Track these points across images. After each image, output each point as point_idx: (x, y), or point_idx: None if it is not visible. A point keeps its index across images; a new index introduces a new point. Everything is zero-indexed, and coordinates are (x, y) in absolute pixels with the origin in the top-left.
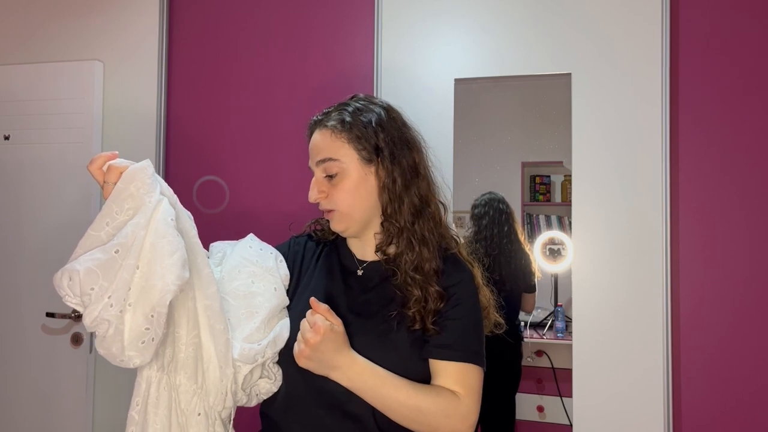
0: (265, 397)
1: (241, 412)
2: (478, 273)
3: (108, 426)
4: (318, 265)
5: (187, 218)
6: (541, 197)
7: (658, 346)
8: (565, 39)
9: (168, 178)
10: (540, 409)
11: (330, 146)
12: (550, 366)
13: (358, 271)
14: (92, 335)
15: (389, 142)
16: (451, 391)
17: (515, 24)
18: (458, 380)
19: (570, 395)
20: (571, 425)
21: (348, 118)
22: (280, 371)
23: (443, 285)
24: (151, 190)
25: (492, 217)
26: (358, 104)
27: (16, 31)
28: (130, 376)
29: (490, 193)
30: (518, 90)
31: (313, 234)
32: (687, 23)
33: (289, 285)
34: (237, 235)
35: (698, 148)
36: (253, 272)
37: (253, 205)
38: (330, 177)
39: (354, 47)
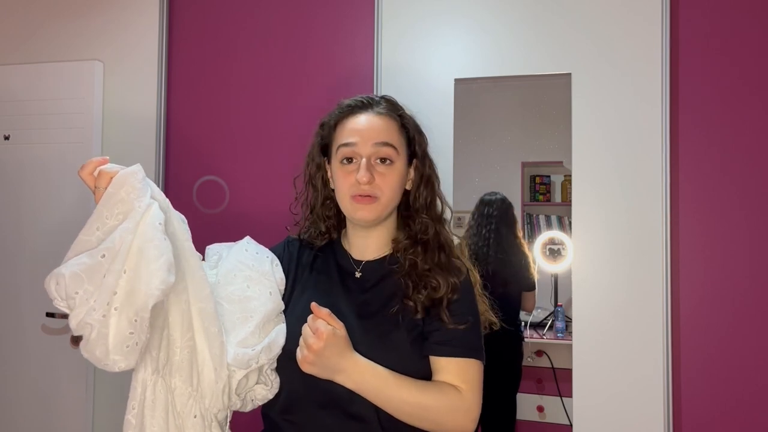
0: (260, 403)
1: (241, 413)
2: (474, 275)
3: (108, 426)
4: (314, 267)
5: (180, 222)
6: (541, 197)
7: (658, 346)
8: (565, 39)
9: (168, 178)
10: (540, 409)
11: (392, 133)
12: (550, 366)
13: (356, 273)
14: None
15: (424, 146)
16: (453, 387)
17: (515, 24)
18: (460, 376)
19: (570, 395)
20: (571, 425)
21: (404, 115)
22: (278, 378)
23: None
24: (141, 195)
25: (492, 216)
26: (397, 103)
27: (16, 31)
28: (129, 376)
29: (492, 192)
30: (518, 90)
31: (308, 240)
32: (687, 23)
33: (285, 288)
34: (237, 235)
35: (698, 148)
36: (248, 276)
37: (252, 205)
38: (382, 162)
39: (354, 47)
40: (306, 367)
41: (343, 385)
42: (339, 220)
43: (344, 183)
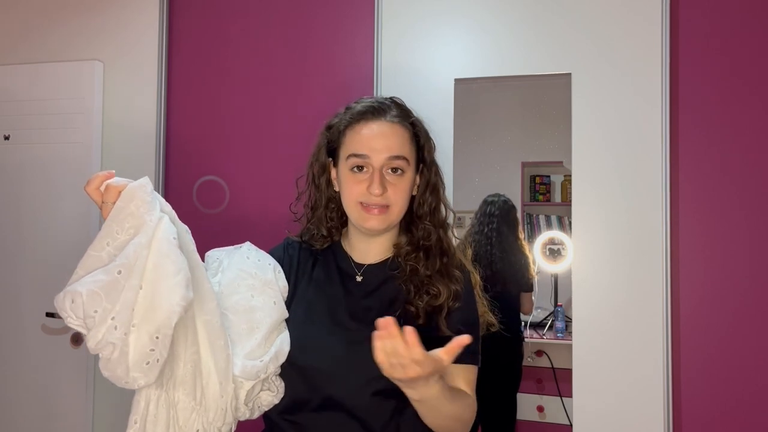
0: (266, 409)
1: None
2: (474, 277)
3: (108, 426)
4: (315, 270)
5: (185, 233)
6: (541, 197)
7: (658, 346)
8: (565, 39)
9: (168, 178)
10: (540, 409)
11: (405, 144)
12: (550, 366)
13: (357, 277)
14: None
15: (431, 152)
16: (467, 394)
17: (515, 24)
18: (466, 381)
19: (570, 395)
20: (571, 425)
21: (416, 122)
22: (282, 383)
23: None
24: (151, 208)
25: (493, 216)
26: (405, 107)
27: (16, 31)
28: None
29: (496, 194)
30: (518, 90)
31: (308, 243)
32: (687, 23)
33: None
34: (237, 234)
35: (698, 148)
36: (251, 285)
37: (253, 205)
38: (393, 172)
39: (354, 47)
40: (389, 372)
41: (407, 395)
42: (341, 222)
43: (353, 190)
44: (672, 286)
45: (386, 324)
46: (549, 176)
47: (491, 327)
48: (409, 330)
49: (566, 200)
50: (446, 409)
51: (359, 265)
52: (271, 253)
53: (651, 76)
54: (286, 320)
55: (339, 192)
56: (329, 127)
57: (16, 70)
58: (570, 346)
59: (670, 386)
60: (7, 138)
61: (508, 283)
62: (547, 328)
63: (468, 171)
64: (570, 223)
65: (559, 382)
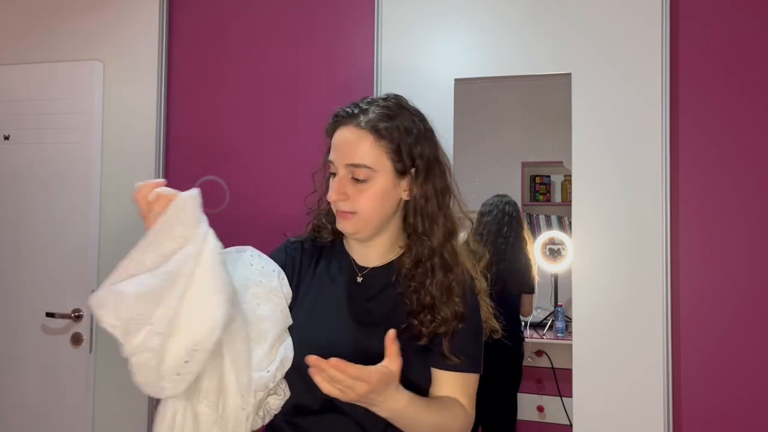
0: (275, 413)
1: None
2: (479, 284)
3: (108, 426)
4: (317, 271)
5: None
6: (541, 197)
7: (658, 346)
8: (565, 39)
9: (168, 178)
10: (540, 409)
11: (365, 151)
12: (550, 366)
13: (358, 278)
14: (92, 335)
15: (425, 157)
16: (459, 402)
17: (515, 24)
18: (462, 390)
19: (570, 395)
20: (571, 425)
21: (388, 124)
22: (286, 385)
23: None
24: (200, 221)
25: (495, 217)
26: (393, 107)
27: (16, 31)
28: (129, 376)
29: (501, 195)
30: (518, 90)
31: (312, 238)
32: (687, 23)
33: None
34: (237, 235)
35: (698, 148)
36: (256, 293)
37: (253, 205)
38: (356, 180)
39: (354, 47)
40: (343, 398)
41: (380, 415)
42: None
43: (328, 195)
44: (672, 286)
45: (314, 361)
46: (549, 176)
47: (494, 333)
48: (334, 361)
49: (566, 200)
50: (426, 420)
51: (361, 268)
52: (272, 256)
53: (651, 76)
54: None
55: None
56: (325, 130)
57: (16, 70)
58: (570, 346)
59: (670, 386)
60: (7, 138)
61: (509, 283)
62: (547, 328)
63: (468, 171)
64: (570, 223)
65: (559, 382)
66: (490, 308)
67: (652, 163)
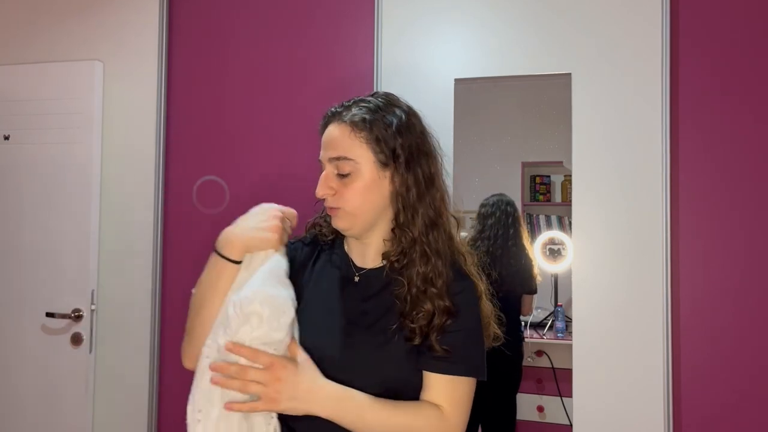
0: (276, 422)
1: None
2: (481, 285)
3: (108, 426)
4: (314, 271)
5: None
6: (541, 197)
7: (658, 346)
8: (565, 39)
9: (168, 178)
10: (540, 409)
11: (347, 144)
12: (550, 366)
13: (356, 277)
14: (92, 335)
15: (407, 148)
16: (435, 407)
17: (515, 24)
18: (446, 394)
19: (570, 395)
20: (571, 425)
21: (368, 117)
22: None
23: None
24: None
25: (497, 218)
26: (379, 102)
27: (16, 31)
28: (129, 376)
29: (499, 194)
30: (518, 90)
31: (312, 237)
32: (687, 23)
33: None
34: None
35: (698, 147)
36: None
37: (253, 205)
38: (342, 175)
39: (354, 47)
40: (272, 405)
41: (319, 415)
42: None
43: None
44: (672, 286)
45: (213, 367)
46: (549, 176)
47: (496, 340)
48: (230, 344)
49: (566, 200)
50: (377, 417)
51: (359, 268)
52: None
53: (651, 76)
54: None
55: None
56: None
57: (15, 70)
58: (570, 346)
59: (670, 386)
60: (7, 138)
61: (511, 284)
62: (547, 328)
63: (468, 171)
64: (570, 223)
65: (559, 382)
66: (492, 312)
67: (652, 163)
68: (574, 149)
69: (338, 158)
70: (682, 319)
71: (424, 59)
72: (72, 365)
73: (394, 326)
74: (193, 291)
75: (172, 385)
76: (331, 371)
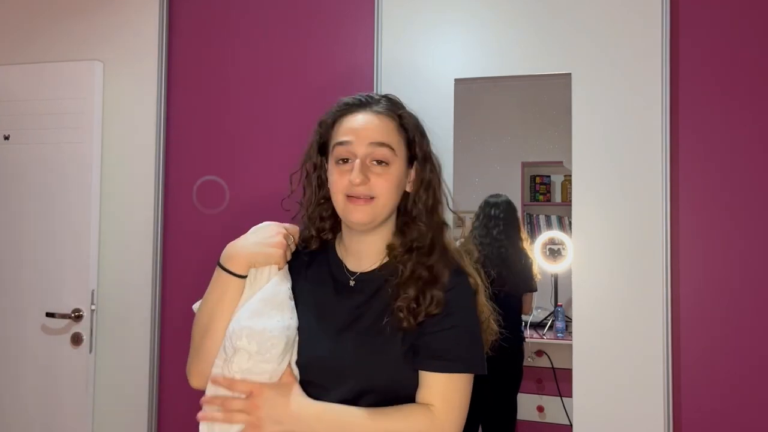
0: None
1: None
2: (479, 280)
3: (108, 426)
4: (308, 277)
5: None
6: (541, 197)
7: (658, 346)
8: (565, 39)
9: (168, 178)
10: (540, 409)
11: (390, 134)
12: (550, 366)
13: (351, 282)
14: (92, 335)
15: (424, 148)
16: (423, 407)
17: (515, 24)
18: (440, 393)
19: (570, 395)
20: (571, 425)
21: (404, 115)
22: None
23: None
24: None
25: (496, 217)
26: (399, 101)
27: (16, 31)
28: (129, 376)
29: (496, 194)
30: (518, 90)
31: (301, 245)
32: (687, 23)
33: None
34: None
35: (698, 147)
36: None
37: (253, 205)
38: (377, 163)
39: (354, 46)
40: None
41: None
42: (335, 223)
43: (339, 183)
44: (672, 286)
45: (203, 401)
46: (549, 176)
47: (493, 335)
48: (220, 378)
49: (566, 200)
50: (362, 424)
51: (352, 273)
52: None
53: (651, 76)
54: None
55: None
56: (320, 123)
57: (15, 70)
58: (570, 346)
59: (670, 386)
60: (7, 138)
61: (512, 284)
62: (547, 328)
63: (468, 171)
64: (570, 223)
65: (559, 382)
66: (490, 309)
67: (652, 163)
68: (574, 149)
69: (383, 144)
70: (682, 319)
71: (424, 59)
72: (72, 365)
73: (385, 321)
74: (194, 307)
75: (172, 385)
76: (329, 378)
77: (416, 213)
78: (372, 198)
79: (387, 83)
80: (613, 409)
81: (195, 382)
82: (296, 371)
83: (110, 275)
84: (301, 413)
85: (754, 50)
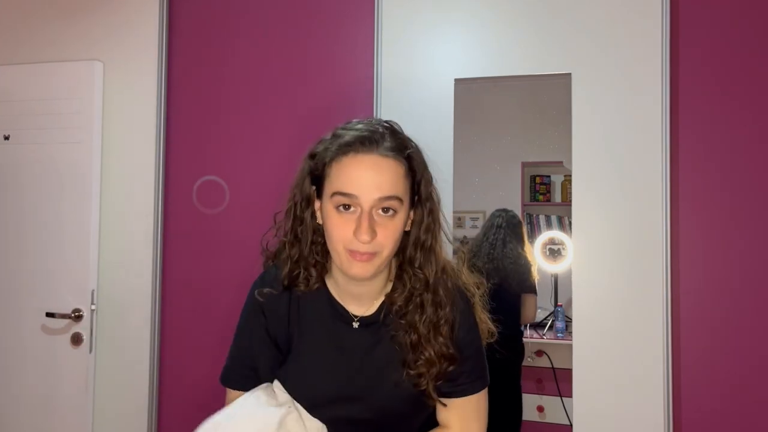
0: None
1: None
2: (474, 291)
3: (108, 426)
4: (303, 319)
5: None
6: (541, 197)
7: (658, 346)
8: (565, 39)
9: (168, 178)
10: (540, 409)
11: (398, 183)
12: (550, 366)
13: (354, 324)
14: (92, 335)
15: (425, 184)
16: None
17: (515, 24)
18: (457, 413)
19: (570, 395)
20: (571, 425)
21: (413, 156)
22: None
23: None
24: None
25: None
26: (406, 138)
27: (16, 31)
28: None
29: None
30: (518, 90)
31: (287, 284)
32: (687, 23)
33: (282, 351)
34: (237, 235)
35: (698, 147)
36: None
37: (253, 205)
38: (384, 212)
39: (354, 46)
40: None
41: None
42: (326, 259)
43: (340, 233)
44: (672, 286)
45: None
46: (549, 176)
47: (491, 336)
48: None
49: (566, 200)
50: None
51: (354, 315)
52: (249, 323)
53: (651, 76)
54: (284, 376)
55: (323, 225)
56: (313, 156)
57: (16, 70)
58: (570, 346)
59: (670, 386)
60: (7, 138)
61: (509, 282)
62: (547, 328)
63: (468, 171)
64: (570, 223)
65: (559, 382)
66: (486, 314)
67: (652, 163)
68: (574, 149)
69: (390, 197)
70: (682, 319)
71: (424, 59)
72: (72, 365)
73: (401, 374)
74: None
75: (172, 385)
76: (339, 423)
77: (414, 256)
78: (376, 252)
79: (387, 83)
80: (613, 409)
81: None
82: (303, 411)
83: (110, 275)
84: None
85: (754, 50)
